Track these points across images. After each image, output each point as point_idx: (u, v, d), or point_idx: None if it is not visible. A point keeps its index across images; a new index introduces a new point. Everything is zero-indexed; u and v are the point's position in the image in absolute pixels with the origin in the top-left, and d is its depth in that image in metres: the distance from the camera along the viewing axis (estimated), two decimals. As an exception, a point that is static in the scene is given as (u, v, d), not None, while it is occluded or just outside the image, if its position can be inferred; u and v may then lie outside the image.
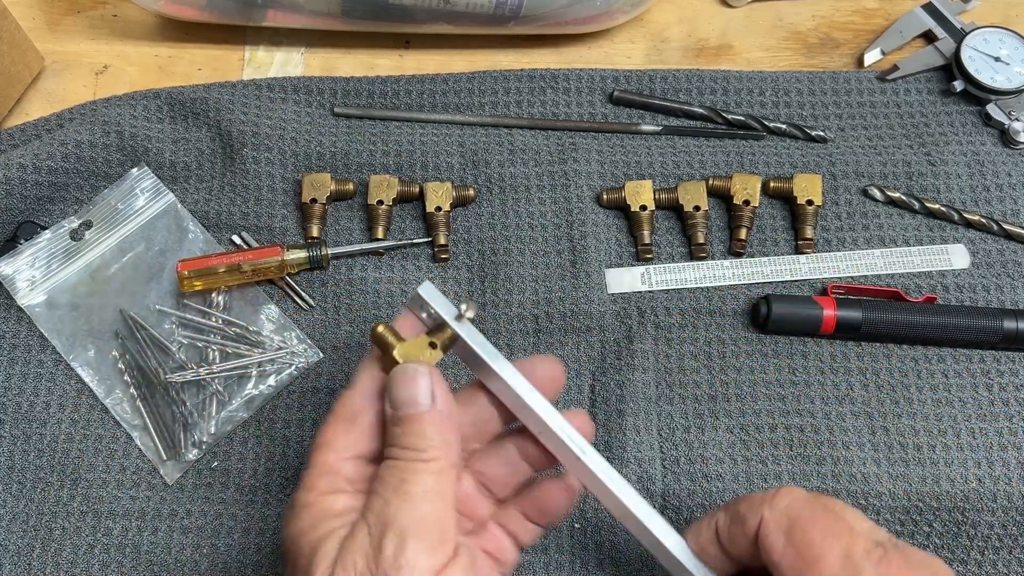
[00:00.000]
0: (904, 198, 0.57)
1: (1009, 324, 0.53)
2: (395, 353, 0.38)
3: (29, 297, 0.54)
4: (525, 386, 0.39)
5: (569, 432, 0.39)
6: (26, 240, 0.55)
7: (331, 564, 0.34)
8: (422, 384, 0.37)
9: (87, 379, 0.53)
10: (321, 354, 0.54)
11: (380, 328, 0.38)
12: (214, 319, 0.55)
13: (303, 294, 0.55)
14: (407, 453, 0.36)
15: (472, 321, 0.39)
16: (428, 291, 0.39)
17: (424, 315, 0.40)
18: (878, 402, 0.53)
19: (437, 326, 0.39)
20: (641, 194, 0.57)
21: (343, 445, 0.38)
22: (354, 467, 0.38)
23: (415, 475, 0.35)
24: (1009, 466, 0.51)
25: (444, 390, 0.38)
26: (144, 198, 0.57)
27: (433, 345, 0.39)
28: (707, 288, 0.56)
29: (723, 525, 0.39)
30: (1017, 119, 0.59)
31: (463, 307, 0.39)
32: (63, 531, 0.50)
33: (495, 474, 0.41)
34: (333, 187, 0.57)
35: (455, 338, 0.39)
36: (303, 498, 0.37)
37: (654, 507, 0.51)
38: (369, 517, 0.35)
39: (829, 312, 0.53)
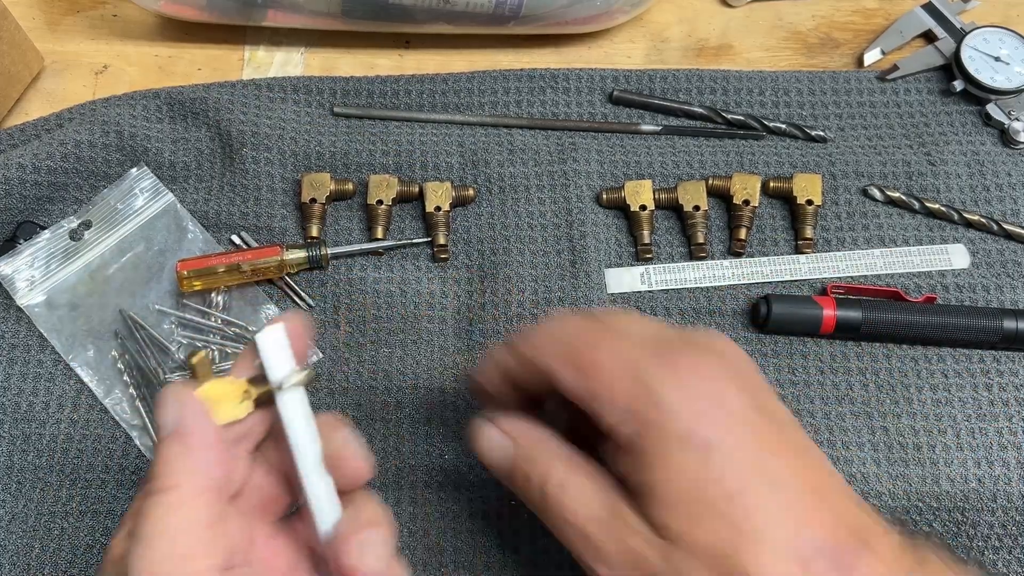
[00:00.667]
0: (904, 198, 0.57)
1: (1009, 324, 0.53)
2: (197, 389, 0.34)
3: (28, 297, 0.54)
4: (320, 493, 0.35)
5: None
6: (25, 240, 0.55)
7: None
8: (169, 406, 0.33)
9: (86, 379, 0.53)
10: (320, 354, 0.54)
11: (196, 358, 0.34)
12: (213, 319, 0.55)
13: (302, 294, 0.55)
14: (147, 488, 0.32)
15: (305, 388, 0.35)
16: (266, 340, 0.34)
17: (256, 361, 0.35)
18: (878, 402, 0.53)
19: (263, 377, 0.35)
20: (641, 194, 0.57)
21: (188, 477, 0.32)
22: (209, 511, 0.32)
23: (148, 511, 0.31)
24: (1009, 466, 0.51)
25: (197, 414, 0.33)
26: (143, 198, 0.57)
27: (248, 395, 0.34)
28: (707, 288, 0.56)
29: (506, 362, 0.39)
30: (1017, 119, 0.59)
31: (291, 373, 0.34)
32: (62, 531, 0.50)
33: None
34: (332, 187, 0.57)
35: (272, 402, 0.35)
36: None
37: None
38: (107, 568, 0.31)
39: (829, 312, 0.53)
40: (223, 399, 0.34)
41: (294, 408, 0.35)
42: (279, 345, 0.34)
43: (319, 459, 0.35)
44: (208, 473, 0.32)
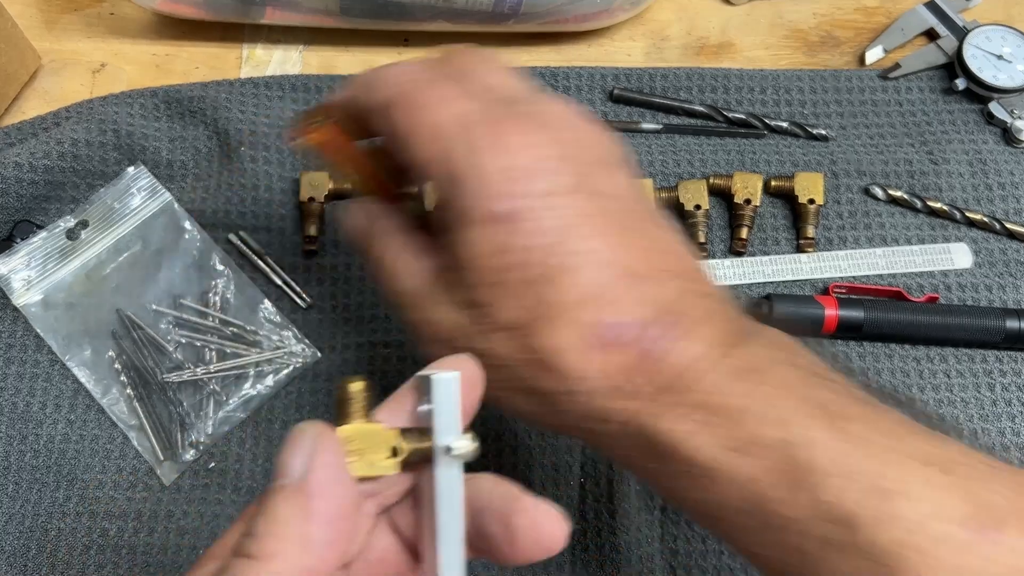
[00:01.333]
0: (906, 197, 0.57)
1: (1012, 324, 0.52)
2: (339, 428, 0.27)
3: (25, 297, 0.54)
4: None
5: None
6: (22, 239, 0.55)
7: None
8: (300, 448, 0.26)
9: (83, 379, 0.53)
10: (320, 354, 0.54)
11: (355, 386, 0.28)
12: (211, 319, 0.54)
13: (301, 292, 0.55)
14: (244, 544, 0.25)
15: (464, 462, 0.27)
16: (444, 388, 0.27)
17: (422, 407, 0.28)
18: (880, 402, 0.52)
19: (421, 431, 0.28)
20: (641, 193, 0.56)
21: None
22: None
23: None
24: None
25: (334, 469, 0.26)
26: (141, 197, 0.56)
27: (396, 452, 0.27)
28: (708, 287, 0.55)
29: (339, 100, 0.38)
30: (1020, 117, 0.59)
31: (461, 440, 0.27)
32: (59, 532, 0.50)
33: None
34: (331, 186, 0.57)
35: (426, 463, 0.28)
36: None
37: (653, 509, 0.51)
38: None
39: (831, 312, 0.52)
40: (368, 447, 0.27)
41: (452, 481, 0.27)
42: (455, 398, 0.27)
43: (463, 541, 0.27)
44: (322, 554, 0.25)
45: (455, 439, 0.27)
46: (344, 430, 0.27)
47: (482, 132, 0.32)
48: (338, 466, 0.26)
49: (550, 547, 0.27)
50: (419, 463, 0.28)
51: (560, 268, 0.31)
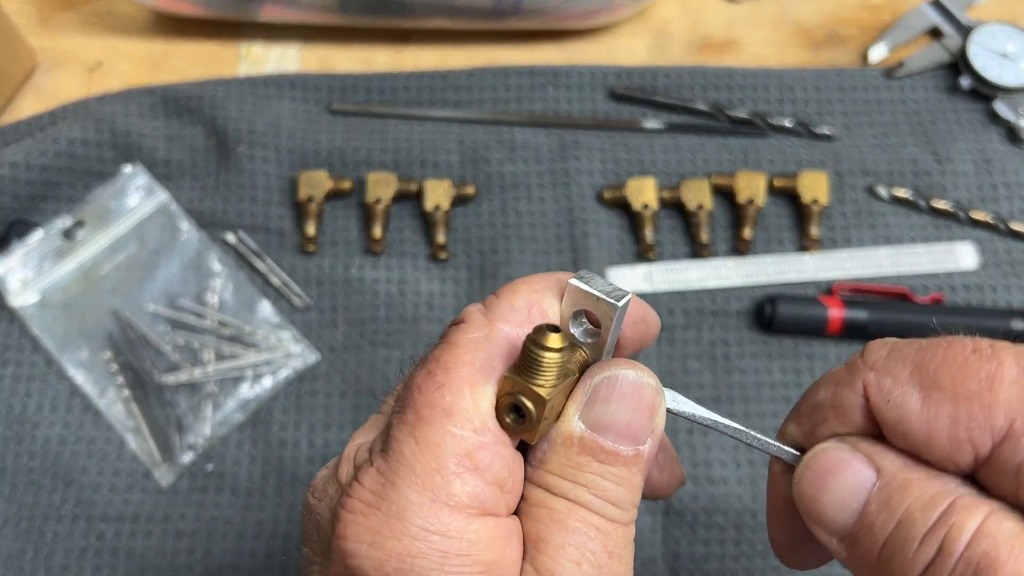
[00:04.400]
0: (910, 197, 0.56)
1: (1017, 324, 0.52)
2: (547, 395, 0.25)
3: (22, 297, 0.53)
4: None
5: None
6: (19, 239, 0.54)
7: None
8: (660, 411, 0.26)
9: (80, 380, 0.52)
10: (318, 355, 0.53)
11: (554, 340, 0.24)
12: (208, 319, 0.54)
13: (300, 292, 0.54)
14: (614, 512, 0.25)
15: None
16: (621, 311, 0.26)
17: (578, 325, 0.27)
18: (884, 404, 0.52)
19: (576, 349, 0.26)
20: (643, 192, 0.56)
21: (480, 416, 0.25)
22: (506, 467, 0.25)
23: (622, 546, 0.25)
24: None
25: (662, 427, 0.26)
26: (137, 196, 0.56)
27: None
28: (711, 288, 0.55)
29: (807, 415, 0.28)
30: (1024, 116, 0.58)
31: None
32: (55, 535, 0.50)
33: None
34: (330, 185, 0.56)
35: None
36: (413, 506, 0.24)
37: (655, 512, 0.50)
38: None
39: (835, 313, 0.52)
40: (560, 401, 0.26)
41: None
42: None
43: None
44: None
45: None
46: (554, 395, 0.25)
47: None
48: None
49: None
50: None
51: None
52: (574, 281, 0.26)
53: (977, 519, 0.22)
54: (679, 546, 0.50)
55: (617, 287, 0.26)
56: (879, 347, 0.26)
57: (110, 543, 0.49)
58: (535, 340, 0.24)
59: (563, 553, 0.24)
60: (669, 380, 0.53)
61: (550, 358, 0.24)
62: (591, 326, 0.27)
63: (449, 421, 0.24)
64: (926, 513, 0.23)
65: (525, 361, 0.24)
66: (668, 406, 0.27)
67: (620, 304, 0.25)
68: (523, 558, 0.25)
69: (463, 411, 0.24)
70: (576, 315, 0.27)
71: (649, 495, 0.30)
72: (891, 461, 0.24)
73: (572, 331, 0.27)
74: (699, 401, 0.54)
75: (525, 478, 0.26)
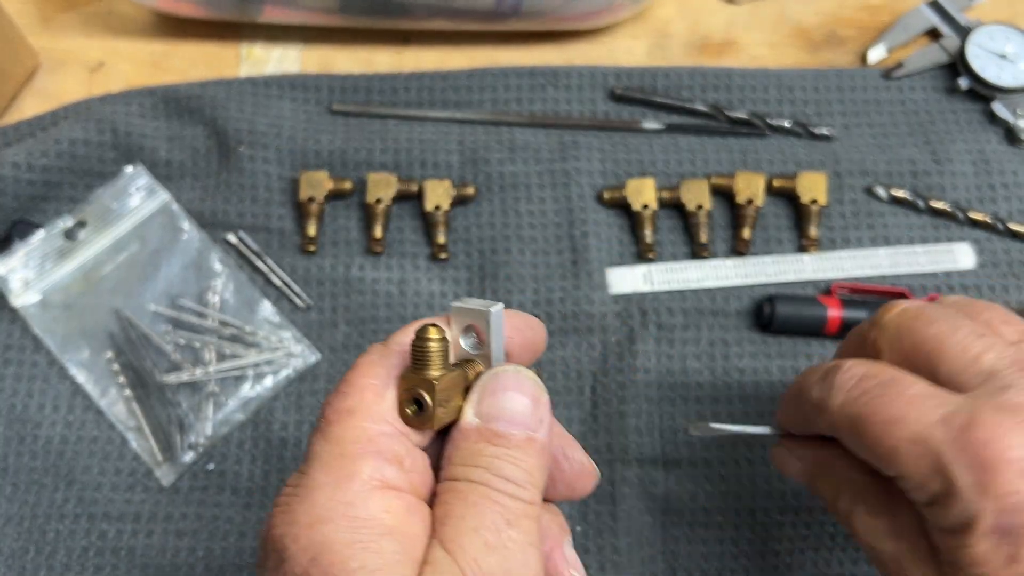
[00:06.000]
0: (909, 197, 0.57)
1: (1016, 325, 0.52)
2: (437, 380, 0.29)
3: (23, 297, 0.54)
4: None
5: None
6: (20, 239, 0.54)
7: None
8: (541, 403, 0.30)
9: (81, 380, 0.53)
10: (319, 355, 0.54)
11: (434, 332, 0.29)
12: (210, 319, 0.54)
13: (300, 293, 0.55)
14: (514, 488, 0.28)
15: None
16: (496, 319, 0.30)
17: (466, 339, 0.31)
18: (883, 404, 0.52)
19: (468, 362, 0.31)
20: (643, 193, 0.56)
21: (379, 412, 0.29)
22: (404, 449, 0.29)
23: (525, 520, 0.28)
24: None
25: (551, 418, 0.30)
26: (138, 197, 0.56)
27: (467, 391, 0.30)
28: (710, 288, 0.55)
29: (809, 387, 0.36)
30: (1023, 117, 0.59)
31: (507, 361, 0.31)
32: (57, 534, 0.50)
33: None
34: (330, 185, 0.56)
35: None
36: (322, 486, 0.27)
37: (655, 511, 0.50)
38: (458, 556, 0.27)
39: (834, 313, 0.52)
40: (453, 394, 0.30)
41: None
42: (502, 327, 0.31)
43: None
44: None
45: (501, 358, 0.31)
46: (442, 381, 0.29)
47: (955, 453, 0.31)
48: (553, 419, 0.31)
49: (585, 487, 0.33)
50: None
51: None
52: (455, 303, 0.31)
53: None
54: (678, 545, 0.50)
55: (492, 302, 0.31)
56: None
57: (111, 542, 0.50)
58: (418, 336, 0.29)
59: (463, 523, 0.27)
60: (669, 380, 0.53)
61: (432, 347, 0.28)
62: (478, 339, 0.31)
63: (351, 418, 0.28)
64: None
65: (414, 358, 0.29)
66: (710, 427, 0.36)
67: (493, 311, 0.30)
68: (431, 535, 0.28)
69: (364, 409, 0.28)
70: (465, 331, 0.31)
71: (566, 492, 0.33)
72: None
73: (463, 346, 0.31)
74: (698, 400, 0.54)
75: (437, 480, 0.30)
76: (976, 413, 0.31)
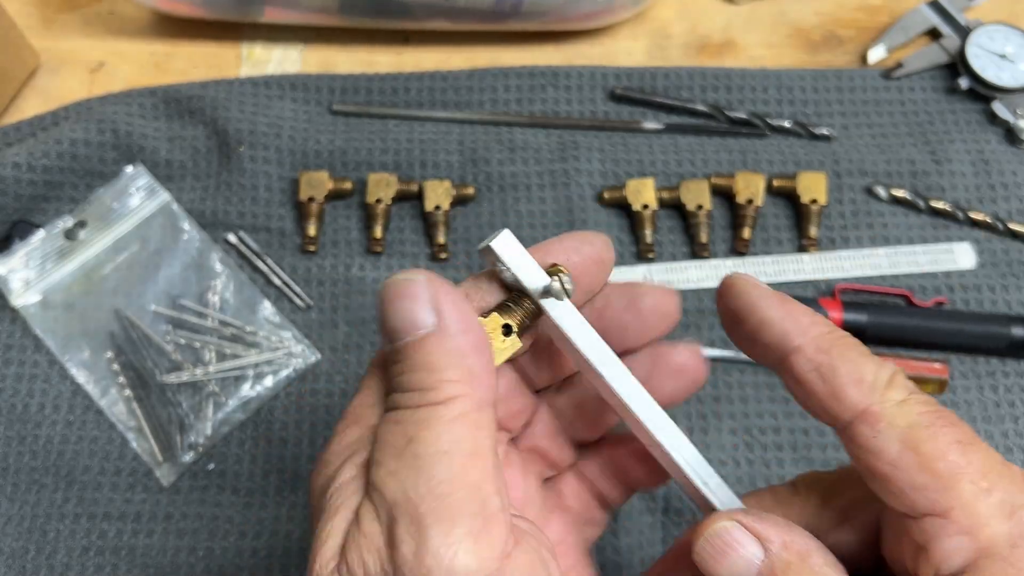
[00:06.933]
0: (909, 197, 0.57)
1: (1017, 331, 0.52)
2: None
3: (24, 297, 0.54)
4: (642, 400, 0.29)
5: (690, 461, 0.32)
6: (21, 239, 0.55)
7: (333, 559, 0.24)
8: (420, 296, 0.26)
9: (82, 380, 0.53)
10: (319, 355, 0.54)
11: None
12: (210, 319, 0.54)
13: (301, 293, 0.55)
14: (411, 397, 0.25)
15: (570, 296, 0.28)
16: (504, 244, 0.28)
17: (504, 275, 0.29)
18: (883, 404, 0.52)
19: (514, 297, 0.28)
20: (643, 193, 0.56)
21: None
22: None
23: (427, 427, 0.24)
24: (1015, 469, 0.50)
25: (456, 302, 0.26)
26: (139, 197, 0.56)
27: (507, 330, 0.28)
28: (710, 288, 0.55)
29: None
30: (1022, 117, 0.59)
31: (557, 279, 0.27)
32: (57, 533, 0.50)
33: (571, 415, 0.32)
34: (331, 185, 0.56)
35: (538, 319, 0.28)
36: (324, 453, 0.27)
37: (655, 511, 0.50)
38: (373, 497, 0.25)
39: (834, 315, 0.52)
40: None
41: (569, 314, 0.28)
42: (518, 248, 0.28)
43: (610, 351, 0.29)
44: (490, 383, 0.26)
45: (543, 279, 0.28)
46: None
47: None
48: (462, 299, 0.27)
49: (671, 313, 0.30)
50: (532, 321, 0.28)
51: None
52: (480, 245, 0.29)
53: None
54: (678, 545, 0.50)
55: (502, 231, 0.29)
56: None
57: (112, 542, 0.50)
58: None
59: (373, 462, 0.25)
60: (668, 380, 0.53)
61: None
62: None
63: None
64: None
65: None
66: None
67: (493, 243, 0.28)
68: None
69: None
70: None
71: (647, 333, 0.31)
72: (777, 535, 0.27)
73: (507, 280, 0.29)
74: (698, 400, 0.54)
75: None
76: None
